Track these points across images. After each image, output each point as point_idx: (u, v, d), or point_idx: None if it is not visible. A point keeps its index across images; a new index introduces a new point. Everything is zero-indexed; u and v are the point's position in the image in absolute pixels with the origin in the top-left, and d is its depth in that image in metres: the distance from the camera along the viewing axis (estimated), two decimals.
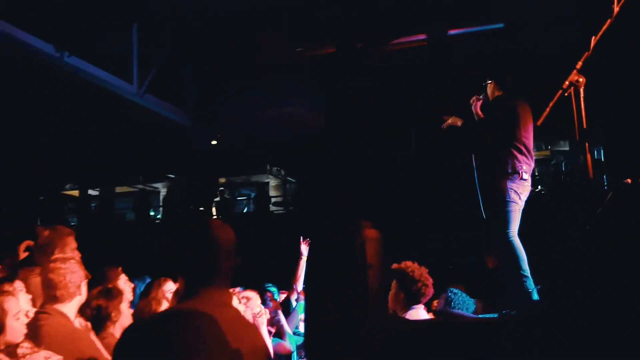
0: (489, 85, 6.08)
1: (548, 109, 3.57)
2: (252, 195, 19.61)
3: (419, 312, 4.96)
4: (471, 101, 6.20)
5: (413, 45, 9.69)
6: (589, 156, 3.70)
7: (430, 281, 5.05)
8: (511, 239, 5.60)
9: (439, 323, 5.12)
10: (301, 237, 7.37)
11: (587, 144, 3.57)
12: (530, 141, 5.91)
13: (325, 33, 10.00)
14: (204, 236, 2.26)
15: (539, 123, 3.85)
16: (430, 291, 5.09)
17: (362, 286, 2.47)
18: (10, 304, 3.22)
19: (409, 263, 5.17)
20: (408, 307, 4.90)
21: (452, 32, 9.74)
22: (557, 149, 15.48)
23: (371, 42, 9.73)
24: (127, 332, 2.16)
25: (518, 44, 9.73)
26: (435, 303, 6.69)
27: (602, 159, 13.39)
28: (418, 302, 4.93)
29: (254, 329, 2.40)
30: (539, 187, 12.79)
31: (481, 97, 6.13)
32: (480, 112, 6.14)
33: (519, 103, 5.94)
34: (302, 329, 7.63)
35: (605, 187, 11.93)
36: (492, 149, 5.86)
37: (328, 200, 10.53)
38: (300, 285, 7.38)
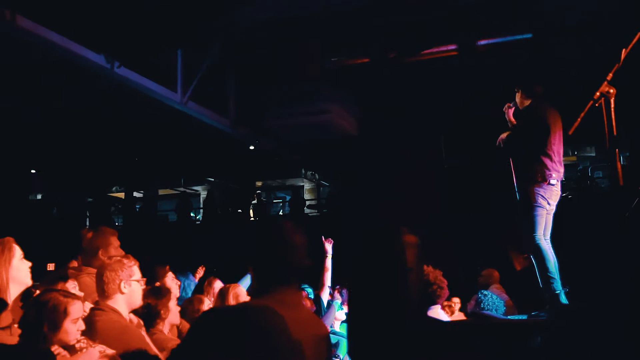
0: (517, 93, 6.07)
1: (579, 119, 3.56)
2: (288, 198, 19.76)
3: (438, 312, 5.04)
4: (504, 109, 6.20)
5: (444, 54, 9.65)
6: (619, 164, 3.67)
7: (445, 283, 5.10)
8: (538, 241, 5.59)
9: (469, 324, 5.14)
10: (322, 237, 7.44)
11: (617, 151, 3.54)
12: (559, 148, 5.88)
13: (359, 43, 10.02)
14: (281, 236, 2.29)
15: (570, 132, 3.83)
16: (446, 293, 5.14)
17: (403, 290, 2.49)
18: (74, 307, 3.29)
19: (424, 266, 5.23)
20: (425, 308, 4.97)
21: (482, 42, 9.68)
22: (584, 154, 15.30)
23: (403, 52, 9.71)
24: (206, 316, 2.15)
25: (550, 53, 9.66)
26: (468, 305, 6.73)
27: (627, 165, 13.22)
28: (434, 303, 4.99)
29: (323, 329, 2.43)
30: (566, 192, 12.69)
31: (512, 104, 6.13)
32: (513, 119, 6.14)
33: (549, 111, 5.92)
34: (337, 327, 7.69)
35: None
36: (522, 155, 5.85)
37: (370, 206, 10.56)
38: (328, 281, 7.46)
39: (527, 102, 6.00)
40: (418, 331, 2.59)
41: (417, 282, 2.64)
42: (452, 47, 9.71)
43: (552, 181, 5.63)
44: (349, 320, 2.91)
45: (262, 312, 1.98)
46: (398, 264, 2.56)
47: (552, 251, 5.64)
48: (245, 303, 2.38)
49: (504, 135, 6.00)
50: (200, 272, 8.18)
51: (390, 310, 2.54)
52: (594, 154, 14.44)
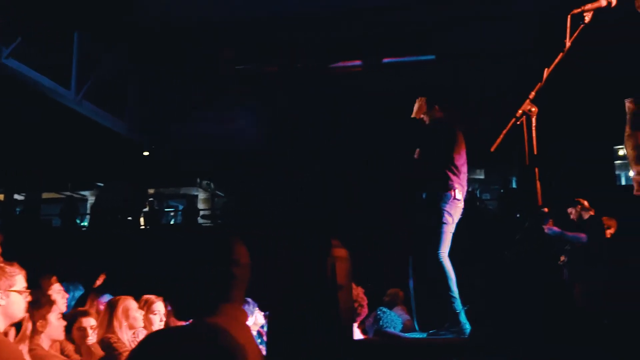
0: (421, 105, 5.98)
1: (501, 136, 3.46)
2: (181, 207, 19.11)
3: (354, 330, 4.84)
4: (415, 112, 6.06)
5: (350, 70, 9.62)
6: (538, 183, 3.60)
7: (365, 301, 4.93)
8: (441, 259, 5.50)
9: (379, 343, 4.98)
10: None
11: (537, 170, 3.47)
12: (464, 165, 5.86)
13: (268, 52, 9.80)
14: (225, 252, 2.02)
15: (492, 149, 3.73)
16: (365, 311, 4.96)
17: (332, 308, 2.25)
18: None
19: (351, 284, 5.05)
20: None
21: (387, 60, 9.73)
22: (473, 177, 15.76)
23: (310, 64, 9.58)
24: (144, 343, 1.91)
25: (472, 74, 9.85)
26: (367, 321, 6.58)
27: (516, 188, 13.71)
28: (353, 322, 4.79)
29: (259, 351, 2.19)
30: None
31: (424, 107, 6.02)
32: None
33: (454, 126, 5.90)
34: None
35: (518, 216, 12.18)
36: (428, 170, 5.78)
37: (293, 217, 10.23)
38: None
39: (433, 115, 5.94)
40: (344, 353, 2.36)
41: (348, 302, 2.40)
42: (358, 62, 9.69)
43: (457, 195, 5.59)
44: (269, 340, 2.63)
45: (220, 335, 1.71)
46: (328, 281, 2.31)
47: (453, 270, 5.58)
48: (192, 324, 2.06)
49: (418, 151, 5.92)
50: (100, 280, 7.54)
51: (316, 332, 2.28)
52: (482, 177, 14.93)
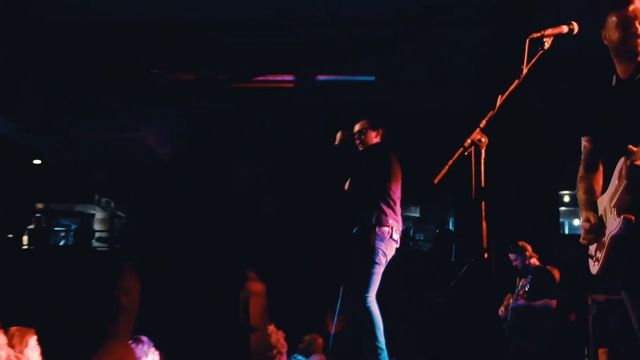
0: (360, 128, 5.92)
1: (447, 167, 3.39)
2: (73, 226, 18.45)
3: None
4: (339, 138, 5.97)
5: (280, 85, 9.56)
6: (484, 222, 3.55)
7: (285, 348, 4.83)
8: (369, 304, 5.40)
9: None
10: None
11: (483, 204, 3.41)
12: (399, 198, 5.81)
13: (186, 58, 9.60)
14: (113, 277, 1.84)
15: (435, 181, 3.68)
16: (284, 358, 4.85)
17: (243, 353, 2.08)
18: None
19: (271, 327, 4.90)
20: None
21: (321, 77, 9.74)
22: (408, 214, 15.89)
23: (235, 75, 9.46)
24: None
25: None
26: None
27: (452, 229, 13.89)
28: None
29: None
30: None
31: (348, 132, 5.95)
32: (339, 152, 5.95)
33: (392, 155, 5.85)
34: None
35: (453, 259, 12.33)
36: (360, 200, 5.70)
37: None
38: None
39: (368, 141, 5.89)
40: None
41: (261, 346, 2.23)
42: (290, 77, 9.64)
43: (394, 235, 5.54)
44: None
45: None
46: (239, 319, 2.14)
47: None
48: None
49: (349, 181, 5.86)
50: None
51: None
52: (418, 215, 15.07)
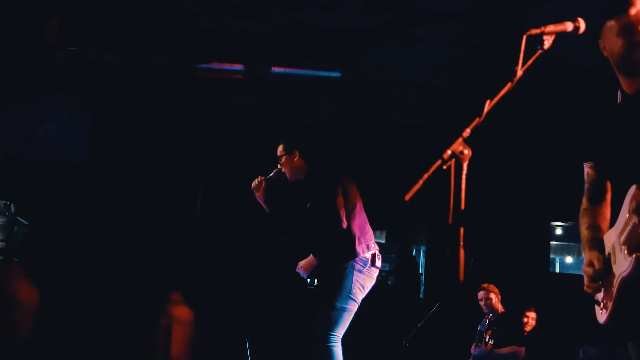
0: (288, 157, 5.92)
1: (421, 182, 3.36)
2: None
3: None
4: (254, 185, 5.95)
5: (227, 75, 9.53)
6: (462, 251, 3.53)
7: None
8: (332, 344, 5.38)
9: None
10: None
11: (462, 230, 3.39)
12: (365, 218, 5.82)
13: (113, 35, 9.47)
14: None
15: (406, 198, 3.68)
16: None
17: None
18: None
19: None
20: None
21: (277, 69, 9.74)
22: None
23: (174, 60, 9.39)
24: None
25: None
26: None
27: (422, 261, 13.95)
28: None
29: None
30: None
31: (273, 174, 5.94)
32: (265, 204, 5.93)
33: (345, 177, 5.88)
34: None
35: (422, 296, 12.37)
36: (322, 234, 5.68)
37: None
38: None
39: (303, 165, 5.91)
40: None
41: None
42: (239, 67, 9.62)
43: (377, 262, 5.57)
44: None
45: None
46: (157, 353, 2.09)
47: None
48: None
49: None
50: None
51: None
52: (383, 241, 15.06)
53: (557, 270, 15.61)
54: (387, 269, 13.30)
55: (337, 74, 9.79)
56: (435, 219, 11.84)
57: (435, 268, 12.13)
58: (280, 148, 6.00)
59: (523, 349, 8.20)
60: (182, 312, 2.06)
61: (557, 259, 15.61)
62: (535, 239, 11.54)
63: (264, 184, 5.92)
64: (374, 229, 5.96)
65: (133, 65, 9.33)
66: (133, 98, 10.04)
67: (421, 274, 12.92)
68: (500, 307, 8.63)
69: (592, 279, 3.42)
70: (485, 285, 8.79)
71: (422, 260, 14.07)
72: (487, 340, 8.39)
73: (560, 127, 8.98)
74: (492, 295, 8.64)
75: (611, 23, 3.55)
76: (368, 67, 9.85)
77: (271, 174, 5.98)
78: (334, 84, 10.11)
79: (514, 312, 8.73)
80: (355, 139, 10.55)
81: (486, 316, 8.60)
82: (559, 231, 13.71)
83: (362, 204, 5.89)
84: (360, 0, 8.71)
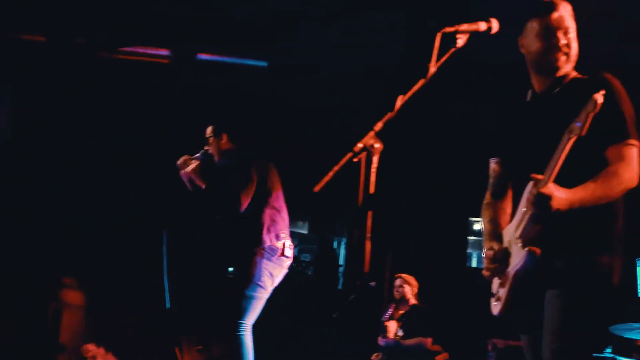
0: (213, 138, 5.93)
1: (332, 173, 3.38)
2: None
3: None
4: (179, 163, 5.93)
5: (152, 60, 9.40)
6: (368, 240, 3.55)
7: None
8: (242, 333, 5.40)
9: None
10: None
11: (370, 214, 3.42)
12: (283, 208, 5.84)
13: (33, 14, 9.25)
14: None
15: (316, 189, 3.68)
16: None
17: None
18: None
19: (90, 347, 4.82)
20: None
21: (203, 56, 9.67)
22: (293, 230, 15.79)
23: (97, 41, 9.21)
24: None
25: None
26: None
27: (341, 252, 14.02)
28: None
29: None
30: None
31: (199, 155, 5.95)
32: (199, 179, 5.91)
33: (268, 162, 5.89)
34: None
35: (340, 287, 12.43)
36: (241, 217, 5.67)
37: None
38: None
39: (231, 148, 5.92)
40: None
41: None
42: (165, 52, 9.52)
43: (287, 252, 5.58)
44: None
45: None
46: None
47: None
48: None
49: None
50: None
51: None
52: (306, 232, 15.06)
53: (474, 265, 15.85)
54: (307, 260, 13.36)
55: (264, 63, 9.74)
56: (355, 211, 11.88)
57: (355, 260, 12.21)
58: (209, 130, 6.04)
59: (430, 340, 8.33)
60: (73, 297, 2.03)
61: (475, 254, 15.87)
62: (452, 234, 11.71)
63: (189, 163, 5.92)
64: (297, 219, 6.01)
65: (55, 45, 9.13)
66: (55, 78, 9.84)
67: (340, 265, 13.00)
68: (413, 299, 8.72)
69: (491, 260, 3.55)
70: (403, 275, 8.88)
71: (342, 252, 14.13)
72: (396, 331, 8.50)
73: (480, 124, 9.11)
74: (406, 286, 8.73)
75: (533, 23, 3.69)
76: (298, 52, 9.81)
77: (197, 154, 5.98)
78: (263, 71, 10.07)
79: (427, 305, 8.83)
80: (285, 125, 10.54)
81: (388, 307, 8.67)
82: (477, 226, 13.92)
83: (282, 194, 5.91)
84: None
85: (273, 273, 5.59)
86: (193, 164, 5.90)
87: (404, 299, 8.69)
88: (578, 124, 3.04)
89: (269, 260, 5.56)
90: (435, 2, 8.48)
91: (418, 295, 8.82)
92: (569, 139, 3.10)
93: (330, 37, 9.27)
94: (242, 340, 5.42)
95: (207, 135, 6.03)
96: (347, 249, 13.70)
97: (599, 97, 3.01)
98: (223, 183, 5.74)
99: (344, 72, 9.81)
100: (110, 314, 7.94)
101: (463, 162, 9.81)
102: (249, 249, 5.55)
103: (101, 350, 4.32)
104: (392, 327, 8.53)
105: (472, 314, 9.01)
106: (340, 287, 12.37)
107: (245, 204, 5.53)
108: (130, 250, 9.33)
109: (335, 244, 14.11)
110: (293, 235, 14.75)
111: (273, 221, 5.71)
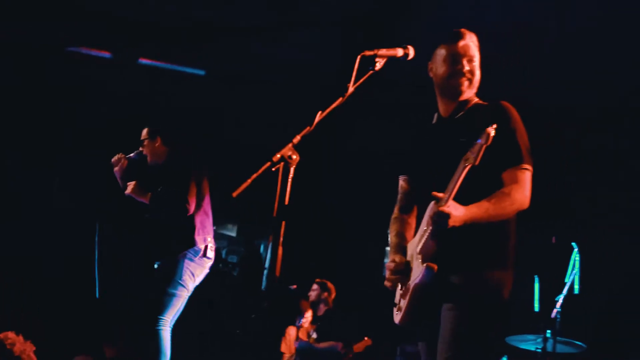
0: (148, 141, 5.99)
1: (249, 181, 3.55)
2: None
3: None
4: (114, 160, 5.99)
5: (94, 61, 9.38)
6: (280, 248, 3.71)
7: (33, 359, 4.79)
8: (160, 328, 5.47)
9: None
10: None
11: (284, 224, 3.59)
12: (210, 212, 5.94)
13: None
14: None
15: (234, 195, 3.83)
16: None
17: None
18: None
19: (10, 334, 4.84)
20: None
21: (144, 61, 9.66)
22: (222, 232, 15.80)
23: (42, 40, 9.15)
24: None
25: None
26: None
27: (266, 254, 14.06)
28: None
29: None
30: None
31: (133, 155, 6.02)
32: (121, 180, 5.97)
33: (202, 169, 5.99)
34: None
35: (264, 290, 12.49)
36: (166, 219, 5.74)
37: None
38: None
39: (164, 151, 5.99)
40: None
41: None
42: (106, 54, 9.50)
43: (209, 254, 5.65)
44: None
45: None
46: None
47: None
48: None
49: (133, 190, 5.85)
50: None
51: None
52: (234, 235, 15.08)
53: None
54: (234, 261, 13.42)
55: (201, 72, 9.80)
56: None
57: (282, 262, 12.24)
58: (144, 132, 6.08)
59: (341, 344, 8.46)
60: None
61: None
62: (372, 243, 11.86)
63: (123, 161, 5.96)
64: (226, 222, 6.14)
65: None
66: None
67: (266, 267, 13.07)
68: (329, 304, 8.85)
69: (392, 272, 3.70)
70: (322, 280, 9.00)
71: (269, 255, 14.16)
72: (311, 334, 8.63)
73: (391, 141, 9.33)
74: (324, 292, 8.86)
75: (441, 50, 3.89)
76: (237, 63, 9.88)
77: (131, 154, 6.03)
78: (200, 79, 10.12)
79: (340, 310, 8.98)
80: (219, 131, 10.59)
81: (305, 311, 8.81)
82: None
83: (209, 199, 6.00)
84: None
85: (195, 273, 5.71)
86: (124, 162, 5.95)
87: (319, 303, 8.82)
88: (473, 154, 3.24)
89: (191, 260, 5.67)
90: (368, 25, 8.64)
91: (334, 301, 8.95)
92: (465, 167, 3.30)
93: (260, 48, 9.36)
94: (160, 335, 5.51)
95: (142, 138, 6.09)
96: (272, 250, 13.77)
97: (492, 130, 3.23)
98: (167, 187, 5.79)
99: (277, 80, 9.91)
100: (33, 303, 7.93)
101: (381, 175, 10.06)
102: (177, 249, 5.63)
103: (20, 338, 4.35)
104: (292, 332, 8.65)
105: (381, 318, 9.21)
106: (263, 288, 12.44)
107: (192, 207, 5.63)
108: (61, 241, 9.33)
109: (262, 248, 14.18)
110: (222, 238, 14.84)
111: (202, 224, 5.83)
